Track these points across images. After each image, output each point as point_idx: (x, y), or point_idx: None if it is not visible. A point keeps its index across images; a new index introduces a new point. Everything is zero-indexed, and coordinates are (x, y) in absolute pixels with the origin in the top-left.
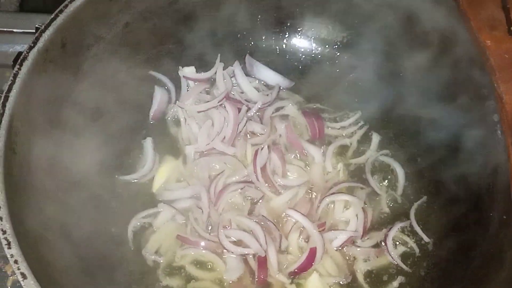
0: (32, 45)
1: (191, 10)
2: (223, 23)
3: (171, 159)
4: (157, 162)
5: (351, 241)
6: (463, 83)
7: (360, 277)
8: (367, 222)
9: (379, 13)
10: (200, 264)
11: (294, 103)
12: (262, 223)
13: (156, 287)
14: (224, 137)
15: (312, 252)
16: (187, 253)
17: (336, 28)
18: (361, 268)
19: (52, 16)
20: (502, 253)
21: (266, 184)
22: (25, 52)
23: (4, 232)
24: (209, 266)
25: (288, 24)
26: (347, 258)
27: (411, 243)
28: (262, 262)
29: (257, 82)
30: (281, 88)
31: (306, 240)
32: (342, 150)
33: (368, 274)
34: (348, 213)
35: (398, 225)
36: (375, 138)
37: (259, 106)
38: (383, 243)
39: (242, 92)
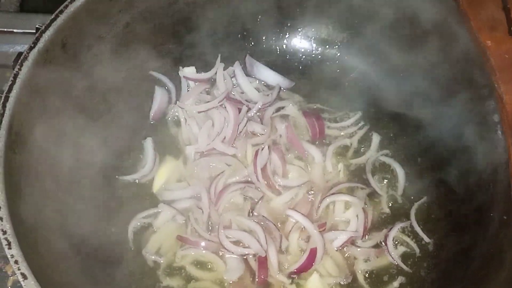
0: (33, 45)
1: (192, 10)
2: (223, 23)
3: (172, 159)
4: (158, 162)
5: (352, 242)
6: (463, 83)
7: (361, 278)
8: (368, 222)
9: (379, 13)
10: (200, 264)
11: (295, 103)
12: (262, 223)
13: (156, 287)
14: (225, 138)
15: (313, 252)
16: (187, 254)
17: (336, 28)
18: (361, 269)
19: (52, 17)
20: (502, 253)
21: (266, 184)
22: (26, 53)
23: (5, 233)
24: (210, 267)
25: (289, 24)
26: (347, 258)
27: (412, 243)
28: (263, 262)
29: (257, 82)
30: (281, 88)
31: (307, 241)
32: (343, 150)
33: (369, 275)
34: (349, 213)
35: (398, 226)
36: (376, 138)
37: (259, 107)
38: (383, 244)
39: (243, 92)
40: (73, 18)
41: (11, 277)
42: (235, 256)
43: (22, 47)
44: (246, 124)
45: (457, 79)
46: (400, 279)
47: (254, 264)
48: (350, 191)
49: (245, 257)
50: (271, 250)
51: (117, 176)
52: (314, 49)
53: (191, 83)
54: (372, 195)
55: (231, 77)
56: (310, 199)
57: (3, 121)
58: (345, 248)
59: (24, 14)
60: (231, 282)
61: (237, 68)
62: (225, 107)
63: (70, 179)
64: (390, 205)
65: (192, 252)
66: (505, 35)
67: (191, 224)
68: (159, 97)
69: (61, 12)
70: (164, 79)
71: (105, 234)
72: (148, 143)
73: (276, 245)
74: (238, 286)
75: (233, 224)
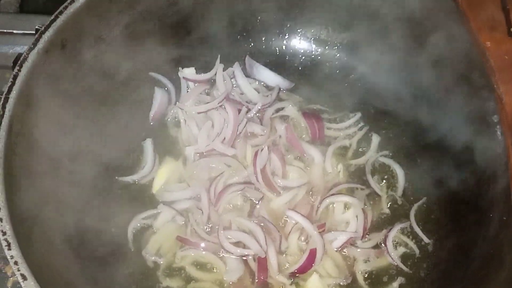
0: (32, 46)
1: (191, 11)
2: (223, 24)
3: (171, 160)
4: (157, 163)
5: (351, 242)
6: (463, 84)
7: (360, 278)
8: (367, 223)
9: (379, 14)
10: (200, 265)
11: (294, 104)
12: (262, 224)
13: None
14: (224, 138)
15: (312, 253)
16: (187, 254)
17: (335, 29)
18: (361, 269)
19: (52, 17)
20: (502, 254)
21: (266, 185)
22: (25, 54)
23: (4, 234)
24: (209, 267)
25: (288, 25)
26: (347, 259)
27: (411, 244)
28: (262, 263)
29: (257, 83)
30: (281, 89)
31: (306, 241)
32: (342, 151)
33: (368, 275)
34: (348, 214)
35: (398, 226)
36: (375, 139)
37: (259, 107)
38: (383, 244)
39: (242, 93)
40: (72, 19)
41: (11, 278)
42: (235, 257)
43: (21, 48)
44: (245, 125)
45: (456, 79)
46: (400, 280)
47: (253, 265)
48: (350, 192)
49: (244, 258)
50: (271, 251)
51: (116, 177)
52: (313, 50)
53: (191, 84)
54: (372, 196)
55: (231, 78)
56: (309, 200)
57: (3, 122)
58: (344, 249)
59: (24, 15)
60: (230, 283)
61: (236, 69)
62: (225, 108)
63: (70, 180)
64: (390, 205)
65: (192, 253)
66: (504, 35)
67: (191, 225)
68: (159, 98)
69: (61, 13)
70: (164, 80)
71: (105, 235)
72: (148, 144)
73: (276, 245)
74: (237, 287)
75: (233, 225)
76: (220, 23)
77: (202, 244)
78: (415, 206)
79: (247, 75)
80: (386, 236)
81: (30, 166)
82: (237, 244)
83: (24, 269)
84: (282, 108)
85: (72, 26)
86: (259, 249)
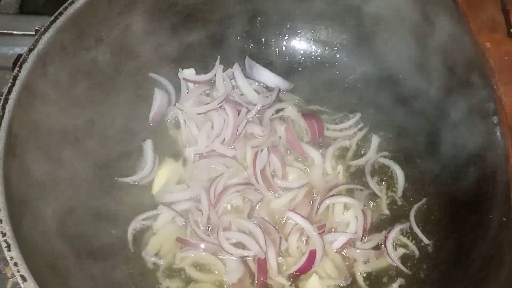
0: (32, 47)
1: (191, 12)
2: (222, 25)
3: (171, 161)
4: (157, 164)
5: (351, 243)
6: (463, 85)
7: (360, 279)
8: (367, 224)
9: (378, 16)
10: (200, 266)
11: (294, 105)
12: (262, 225)
13: None
14: (224, 139)
15: (312, 254)
16: (187, 255)
17: (335, 30)
18: (361, 270)
19: (52, 19)
20: (502, 255)
21: (266, 186)
22: (25, 55)
23: (4, 235)
24: (209, 268)
25: (288, 26)
26: (347, 260)
27: (411, 245)
28: (262, 264)
29: (256, 84)
30: (280, 90)
31: (306, 242)
32: (342, 152)
33: (368, 276)
34: (348, 215)
35: (398, 227)
36: (375, 140)
37: (258, 108)
38: (383, 245)
39: (242, 94)
40: (72, 20)
41: (11, 279)
42: (235, 258)
43: (21, 49)
44: (245, 125)
45: (456, 80)
46: (400, 281)
47: (253, 266)
48: (350, 193)
49: (244, 259)
50: (271, 252)
51: (116, 178)
52: (313, 51)
53: (191, 85)
54: (372, 197)
55: (231, 79)
56: (309, 201)
57: (3, 123)
58: (344, 250)
59: (24, 16)
60: (230, 284)
61: (236, 70)
62: (225, 109)
63: (69, 181)
64: (390, 206)
65: (192, 254)
66: (504, 36)
67: (191, 226)
68: (159, 99)
69: (61, 14)
70: (164, 81)
71: (104, 236)
72: (148, 145)
73: (276, 247)
74: None
75: (233, 226)
76: (220, 24)
77: (202, 245)
78: (415, 207)
79: (247, 76)
80: (386, 237)
81: (30, 168)
82: (237, 245)
83: (23, 270)
84: (282, 109)
85: (72, 27)
86: (259, 250)
